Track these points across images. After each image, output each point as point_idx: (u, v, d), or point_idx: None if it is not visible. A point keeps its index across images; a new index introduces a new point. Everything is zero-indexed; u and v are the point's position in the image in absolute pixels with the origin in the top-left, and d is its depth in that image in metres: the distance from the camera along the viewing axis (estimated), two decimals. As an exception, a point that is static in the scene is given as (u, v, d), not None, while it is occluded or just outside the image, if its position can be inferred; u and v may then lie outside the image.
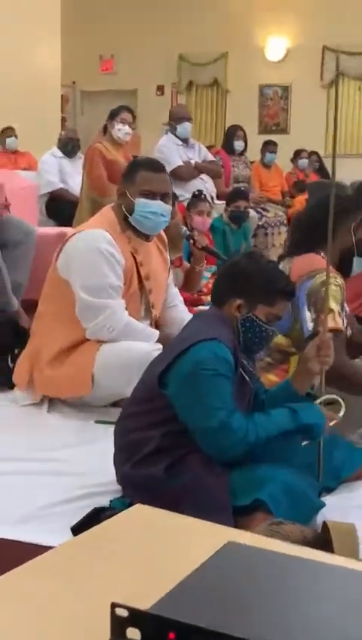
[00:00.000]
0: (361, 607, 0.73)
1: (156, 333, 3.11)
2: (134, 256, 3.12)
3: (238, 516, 2.01)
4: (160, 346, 2.96)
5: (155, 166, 3.19)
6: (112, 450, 2.29)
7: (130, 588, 0.82)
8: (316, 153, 9.81)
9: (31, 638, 0.76)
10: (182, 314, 3.41)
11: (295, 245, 2.80)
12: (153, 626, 0.68)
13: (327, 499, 2.22)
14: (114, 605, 0.70)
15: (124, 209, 3.10)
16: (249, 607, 0.72)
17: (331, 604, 0.73)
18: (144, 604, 0.72)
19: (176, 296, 3.51)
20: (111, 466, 2.29)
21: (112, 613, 0.70)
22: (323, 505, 2.13)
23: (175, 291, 3.52)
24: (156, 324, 3.30)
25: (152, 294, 3.23)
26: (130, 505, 2.10)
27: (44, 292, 3.23)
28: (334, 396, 2.26)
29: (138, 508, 1.03)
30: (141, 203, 3.06)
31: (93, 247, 3.01)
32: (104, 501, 2.23)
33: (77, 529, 1.88)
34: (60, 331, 3.08)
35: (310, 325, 2.55)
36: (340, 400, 2.23)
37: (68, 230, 4.23)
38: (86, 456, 2.62)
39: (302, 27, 10.99)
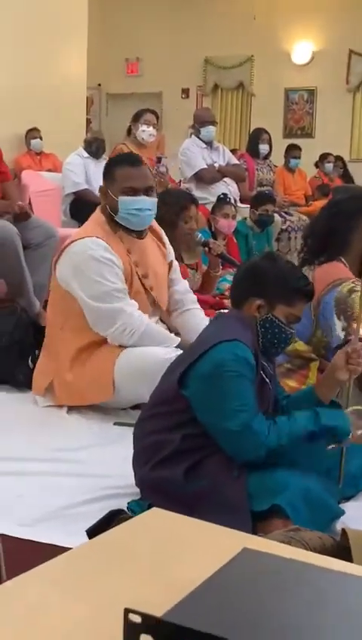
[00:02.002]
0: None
1: (177, 339, 3.08)
2: (129, 257, 3.09)
3: (256, 521, 2.00)
4: (181, 351, 2.95)
5: (133, 161, 3.14)
6: (131, 452, 2.29)
7: (143, 593, 0.81)
8: (341, 158, 9.76)
9: (44, 642, 0.75)
10: (196, 318, 3.37)
11: (312, 253, 2.77)
12: (166, 633, 0.67)
13: (346, 506, 2.20)
14: (127, 611, 0.69)
15: (108, 209, 3.07)
16: (264, 616, 0.71)
17: (348, 615, 0.72)
18: (158, 610, 0.71)
19: (191, 300, 3.46)
20: (130, 468, 2.28)
21: (126, 619, 0.69)
22: (342, 512, 2.11)
23: (191, 296, 3.48)
24: (170, 329, 3.28)
25: (154, 291, 3.19)
26: (149, 507, 2.11)
27: (50, 300, 3.20)
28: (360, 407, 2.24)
29: (153, 512, 1.02)
30: (124, 201, 3.02)
31: (88, 257, 2.97)
32: (122, 503, 2.22)
33: (92, 532, 1.87)
34: (73, 337, 3.06)
35: (341, 334, 2.51)
36: None
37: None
38: (105, 458, 2.62)
39: (328, 31, 10.94)
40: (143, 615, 0.68)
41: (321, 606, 0.71)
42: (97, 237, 3.01)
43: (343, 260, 2.65)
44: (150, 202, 3.08)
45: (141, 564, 0.87)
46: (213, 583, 0.75)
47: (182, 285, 3.46)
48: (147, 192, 3.08)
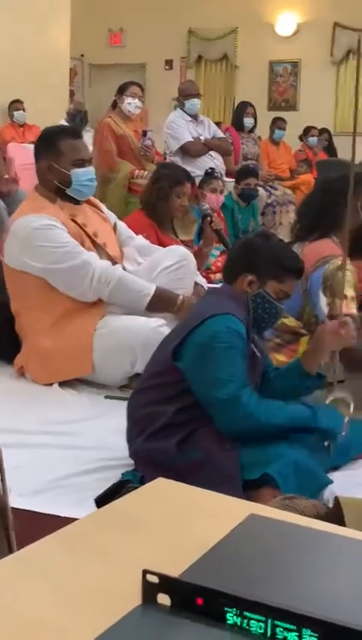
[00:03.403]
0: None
1: (152, 287, 3.11)
2: (75, 221, 3.13)
3: (246, 490, 2.07)
4: (162, 322, 3.00)
5: (75, 133, 3.22)
6: (124, 424, 2.34)
7: (157, 557, 0.86)
8: (327, 131, 9.77)
9: (62, 605, 0.80)
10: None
11: (304, 230, 2.81)
12: (182, 592, 0.72)
13: (334, 475, 2.27)
14: (145, 572, 0.74)
15: (57, 183, 3.09)
16: (271, 576, 0.76)
17: (348, 573, 0.77)
18: (172, 572, 0.76)
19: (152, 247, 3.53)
20: (124, 440, 2.34)
21: (144, 579, 0.74)
22: (330, 482, 2.18)
23: (153, 246, 3.53)
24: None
25: (108, 247, 3.24)
26: (142, 478, 2.17)
27: (9, 286, 3.20)
28: (343, 394, 2.29)
29: (160, 481, 1.07)
30: (78, 173, 3.08)
31: (33, 230, 3.00)
32: (116, 474, 2.28)
33: (100, 501, 1.93)
34: (42, 313, 3.07)
35: (325, 309, 2.57)
36: (349, 397, 2.26)
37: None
38: (98, 431, 2.67)
39: (312, 2, 10.88)
40: (161, 575, 0.73)
41: (327, 566, 0.77)
42: (35, 212, 3.05)
43: (334, 237, 2.70)
44: (94, 172, 3.19)
45: (152, 531, 0.92)
46: (224, 546, 0.80)
47: (139, 238, 3.51)
48: (90, 161, 3.20)
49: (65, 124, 6.56)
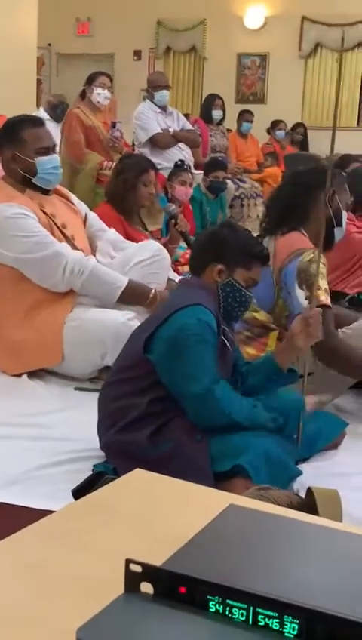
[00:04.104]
0: (348, 562, 0.80)
1: (125, 280, 3.13)
2: (44, 211, 3.13)
3: (218, 482, 2.08)
4: (132, 314, 3.01)
5: (37, 121, 3.22)
6: (95, 416, 2.34)
7: (136, 547, 0.88)
8: (302, 125, 9.82)
9: (44, 596, 0.81)
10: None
11: (273, 224, 2.83)
12: (165, 580, 0.74)
13: (303, 467, 2.30)
14: (128, 561, 0.75)
15: (22, 172, 3.09)
16: (252, 564, 0.78)
17: (326, 561, 0.79)
18: (151, 562, 0.78)
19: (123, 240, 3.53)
20: (94, 431, 2.34)
21: (127, 568, 0.75)
22: (299, 473, 2.21)
23: (124, 241, 3.53)
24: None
25: (76, 240, 3.24)
26: (114, 470, 2.17)
27: None
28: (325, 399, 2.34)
29: (137, 473, 1.08)
30: (42, 161, 3.09)
31: (3, 219, 3.00)
32: (87, 466, 2.28)
33: (77, 492, 1.93)
34: (13, 305, 3.06)
35: (304, 302, 2.59)
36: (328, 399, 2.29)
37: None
38: (68, 422, 2.67)
39: (281, -4, 10.93)
40: (143, 565, 0.75)
41: (306, 554, 0.79)
42: (6, 202, 3.04)
43: (303, 231, 2.73)
44: (58, 160, 3.18)
45: (131, 522, 0.93)
46: (205, 536, 0.81)
47: (112, 232, 3.52)
48: (54, 149, 3.20)
49: (44, 112, 6.49)
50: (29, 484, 2.23)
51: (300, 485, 2.16)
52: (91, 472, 2.24)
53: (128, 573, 0.76)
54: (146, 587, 0.75)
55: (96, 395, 2.43)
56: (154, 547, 0.85)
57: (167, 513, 0.96)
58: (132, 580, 0.75)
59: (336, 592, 0.72)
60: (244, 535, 0.82)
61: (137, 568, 0.75)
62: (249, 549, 0.79)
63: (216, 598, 0.72)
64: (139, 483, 1.06)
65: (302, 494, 1.93)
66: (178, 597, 0.73)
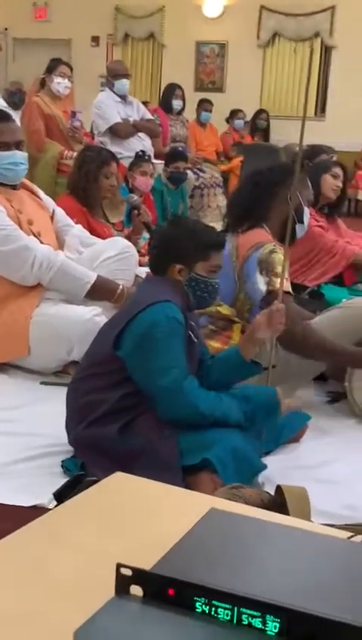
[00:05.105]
0: (325, 563, 0.86)
1: (93, 275, 3.16)
2: (11, 205, 3.16)
3: (186, 475, 2.14)
4: (98, 310, 3.04)
5: (1, 116, 3.25)
6: (62, 410, 2.37)
7: (123, 551, 0.92)
8: (265, 112, 9.88)
9: (36, 597, 0.85)
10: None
11: (235, 220, 2.89)
12: (154, 583, 0.79)
13: (267, 460, 2.36)
14: (119, 565, 0.80)
15: None
16: (235, 566, 0.83)
17: (305, 563, 0.85)
18: (138, 564, 0.82)
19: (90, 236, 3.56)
20: (62, 426, 2.36)
21: (117, 572, 0.80)
22: (264, 467, 2.27)
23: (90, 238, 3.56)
24: None
25: (42, 236, 3.27)
26: (82, 465, 2.21)
27: None
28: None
29: (118, 476, 1.12)
30: (0, 157, 3.12)
31: None
32: (56, 461, 2.31)
33: (58, 495, 1.95)
34: None
35: (263, 288, 2.67)
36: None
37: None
38: (35, 417, 2.69)
39: (239, -16, 10.93)
40: (133, 569, 0.79)
41: (285, 556, 0.84)
42: None
43: (265, 226, 2.80)
44: (22, 156, 3.20)
45: (116, 526, 0.98)
46: (189, 540, 0.86)
47: (78, 228, 3.54)
48: (18, 146, 3.18)
49: (2, 102, 6.42)
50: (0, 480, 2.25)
51: (265, 479, 2.23)
52: (60, 468, 2.28)
53: (119, 576, 0.80)
54: (136, 590, 0.79)
55: (62, 389, 2.46)
56: (141, 551, 0.89)
57: (150, 515, 1.01)
58: (122, 583, 0.80)
59: (315, 592, 0.77)
60: (226, 539, 0.87)
61: (127, 572, 0.79)
62: (232, 552, 0.85)
63: (203, 599, 0.77)
64: (121, 486, 1.11)
65: (267, 488, 2.00)
66: (166, 599, 0.78)
